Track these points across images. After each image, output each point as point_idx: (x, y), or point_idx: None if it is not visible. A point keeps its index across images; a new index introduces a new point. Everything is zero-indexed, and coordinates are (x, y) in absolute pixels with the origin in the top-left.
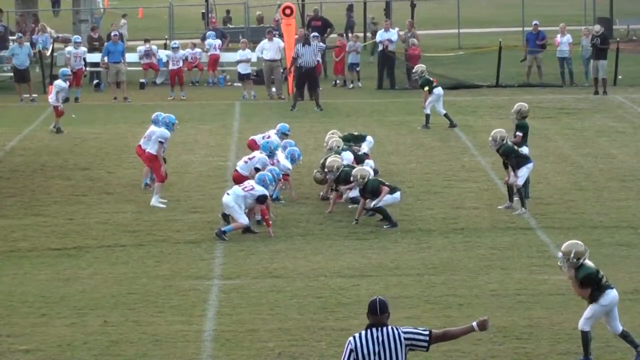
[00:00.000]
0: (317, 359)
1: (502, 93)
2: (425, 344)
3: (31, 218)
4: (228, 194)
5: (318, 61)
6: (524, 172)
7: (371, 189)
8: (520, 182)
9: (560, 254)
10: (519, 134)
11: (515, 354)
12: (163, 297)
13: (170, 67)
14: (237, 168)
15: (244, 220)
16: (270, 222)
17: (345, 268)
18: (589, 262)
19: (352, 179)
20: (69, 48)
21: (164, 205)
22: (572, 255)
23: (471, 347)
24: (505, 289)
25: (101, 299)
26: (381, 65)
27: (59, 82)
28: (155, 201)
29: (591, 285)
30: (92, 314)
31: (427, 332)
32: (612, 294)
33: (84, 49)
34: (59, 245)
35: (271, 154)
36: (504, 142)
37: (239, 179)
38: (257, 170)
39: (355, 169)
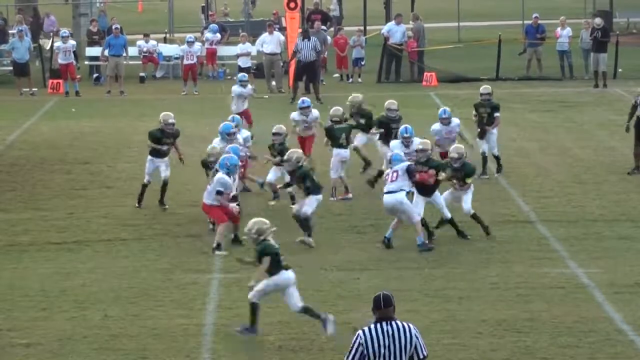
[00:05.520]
0: (317, 352)
1: (502, 86)
2: (422, 358)
3: (31, 212)
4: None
5: (324, 56)
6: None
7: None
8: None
9: (245, 230)
10: (497, 114)
11: (515, 347)
12: (163, 291)
13: (185, 61)
14: None
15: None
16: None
17: (345, 261)
18: (272, 241)
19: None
20: (57, 43)
21: (226, 253)
22: (253, 231)
23: (472, 340)
24: (505, 282)
25: (101, 293)
26: (383, 58)
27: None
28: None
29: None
30: (92, 307)
31: (426, 354)
32: (286, 275)
33: (72, 42)
34: (59, 239)
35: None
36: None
37: None
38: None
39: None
